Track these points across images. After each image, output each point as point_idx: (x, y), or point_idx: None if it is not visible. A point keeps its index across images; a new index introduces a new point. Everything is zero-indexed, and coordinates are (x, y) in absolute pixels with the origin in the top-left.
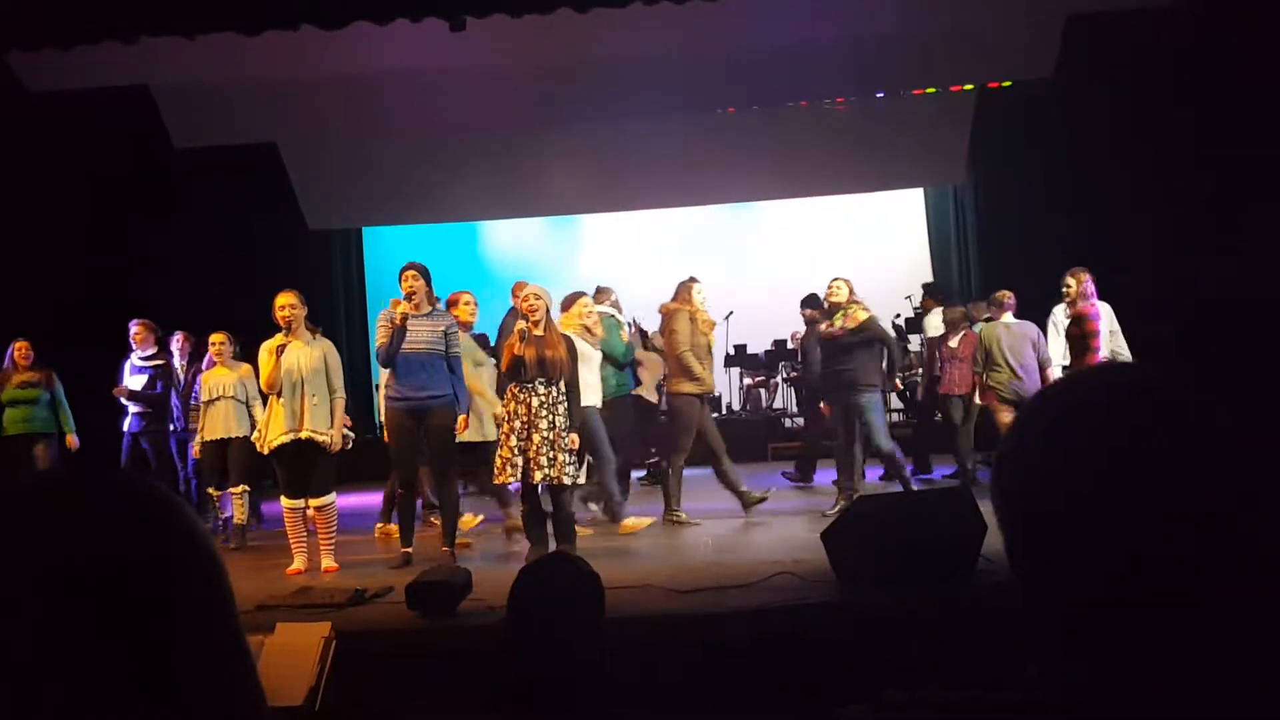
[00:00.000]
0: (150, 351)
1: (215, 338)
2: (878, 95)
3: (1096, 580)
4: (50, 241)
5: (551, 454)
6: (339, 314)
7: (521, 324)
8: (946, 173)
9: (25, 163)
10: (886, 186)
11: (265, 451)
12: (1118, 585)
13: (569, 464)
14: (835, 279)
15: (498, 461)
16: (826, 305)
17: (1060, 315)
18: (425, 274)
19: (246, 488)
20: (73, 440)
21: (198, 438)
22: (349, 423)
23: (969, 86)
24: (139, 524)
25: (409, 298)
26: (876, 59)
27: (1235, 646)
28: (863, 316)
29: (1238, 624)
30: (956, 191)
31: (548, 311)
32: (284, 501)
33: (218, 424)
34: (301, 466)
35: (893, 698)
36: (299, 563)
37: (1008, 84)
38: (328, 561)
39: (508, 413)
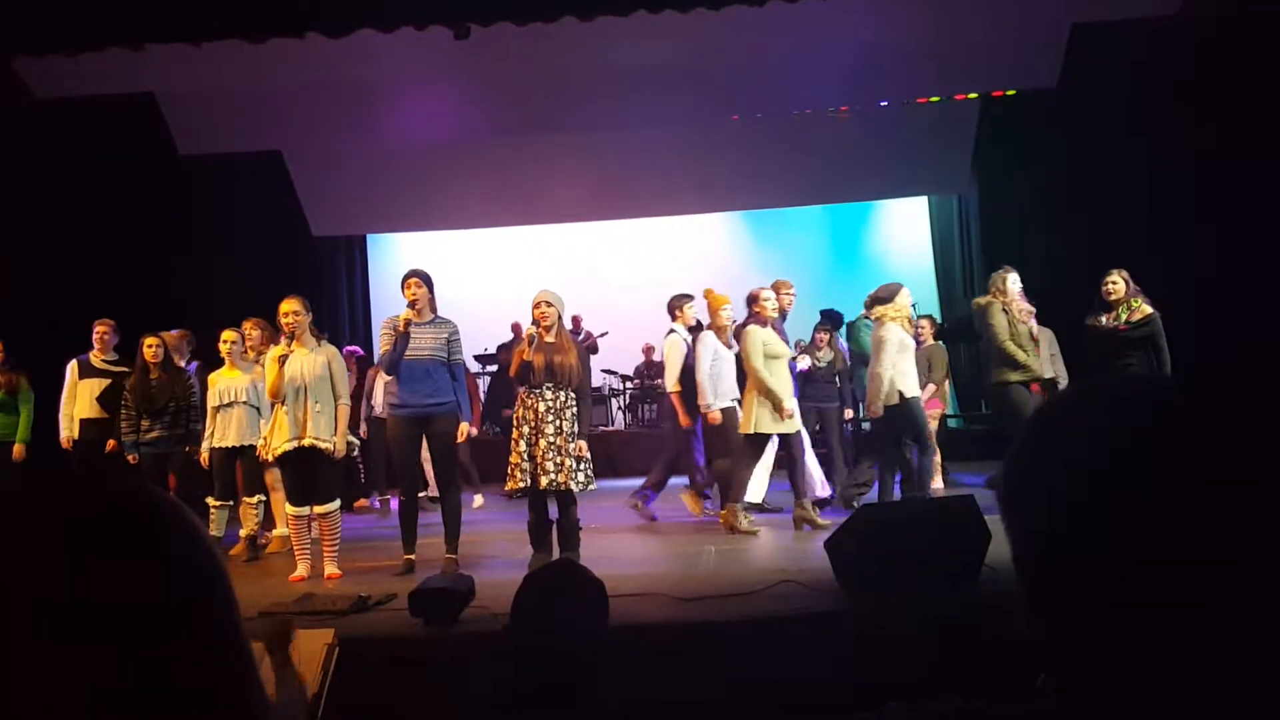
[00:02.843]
0: (113, 356)
1: (226, 335)
2: (882, 104)
3: (1104, 585)
4: (56, 246)
5: (558, 460)
6: (342, 321)
7: (532, 329)
8: (950, 181)
9: (32, 168)
10: (890, 194)
11: (270, 459)
12: (1125, 590)
13: (576, 470)
14: (1114, 272)
15: (508, 467)
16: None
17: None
18: (428, 281)
19: (262, 497)
20: (19, 450)
21: (205, 444)
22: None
23: (973, 95)
24: (143, 530)
25: (412, 305)
26: (881, 68)
27: (1240, 649)
28: (1148, 310)
29: (1244, 626)
30: (960, 200)
31: (560, 318)
32: (289, 509)
33: (230, 431)
34: (306, 474)
35: (895, 710)
36: (302, 569)
37: (1012, 93)
38: (331, 568)
39: (517, 418)
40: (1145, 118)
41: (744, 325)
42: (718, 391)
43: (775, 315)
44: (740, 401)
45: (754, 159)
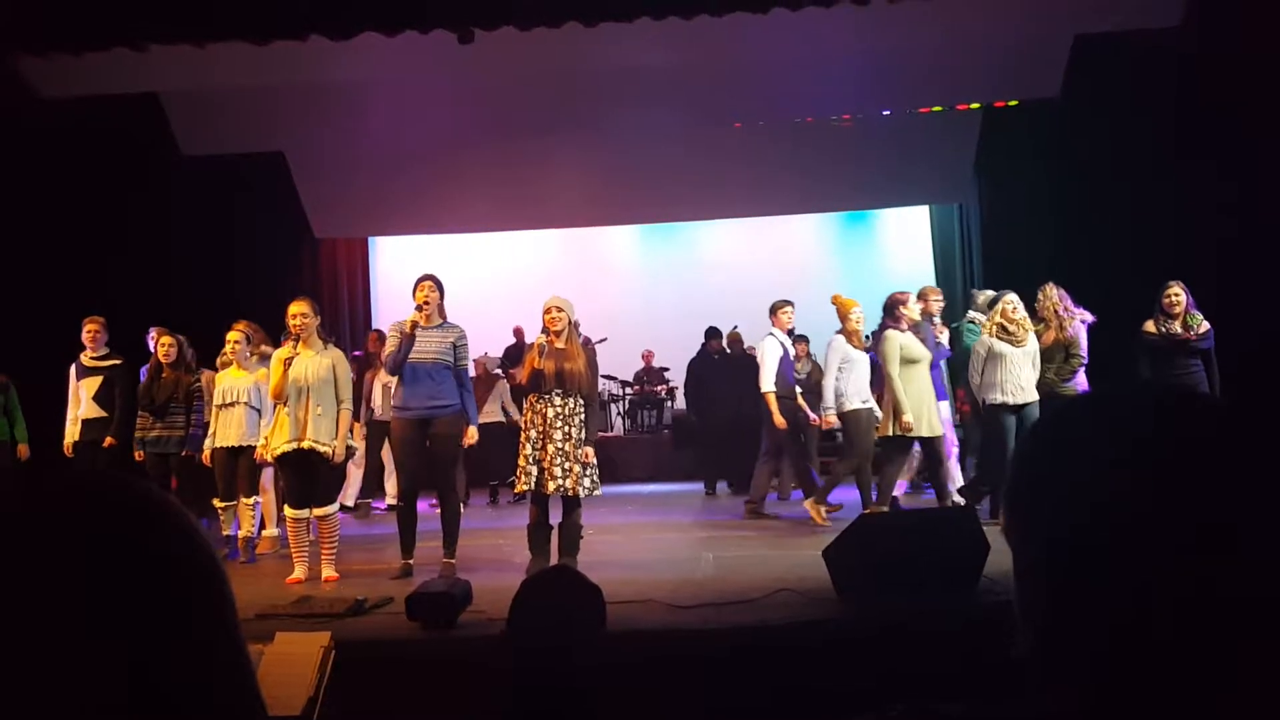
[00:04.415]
0: (103, 352)
1: (232, 335)
2: (884, 112)
3: (1114, 596)
4: (59, 246)
5: (566, 465)
6: (344, 324)
7: (542, 337)
8: (952, 190)
9: (35, 167)
10: (892, 203)
11: (269, 459)
12: (1136, 601)
13: (584, 476)
14: (1175, 284)
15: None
16: (1168, 311)
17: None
18: (440, 287)
19: (258, 499)
20: (23, 450)
21: (208, 443)
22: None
23: (975, 105)
24: (140, 529)
25: (421, 308)
26: (883, 76)
27: (1245, 660)
28: (1207, 325)
29: (1250, 637)
30: (961, 209)
31: (569, 324)
32: (287, 510)
33: (231, 431)
34: (305, 476)
35: (896, 712)
36: (299, 572)
37: (1014, 103)
38: (328, 571)
39: (525, 422)
40: (1147, 128)
41: (882, 330)
42: (849, 393)
43: (918, 319)
44: (878, 403)
45: (756, 166)
